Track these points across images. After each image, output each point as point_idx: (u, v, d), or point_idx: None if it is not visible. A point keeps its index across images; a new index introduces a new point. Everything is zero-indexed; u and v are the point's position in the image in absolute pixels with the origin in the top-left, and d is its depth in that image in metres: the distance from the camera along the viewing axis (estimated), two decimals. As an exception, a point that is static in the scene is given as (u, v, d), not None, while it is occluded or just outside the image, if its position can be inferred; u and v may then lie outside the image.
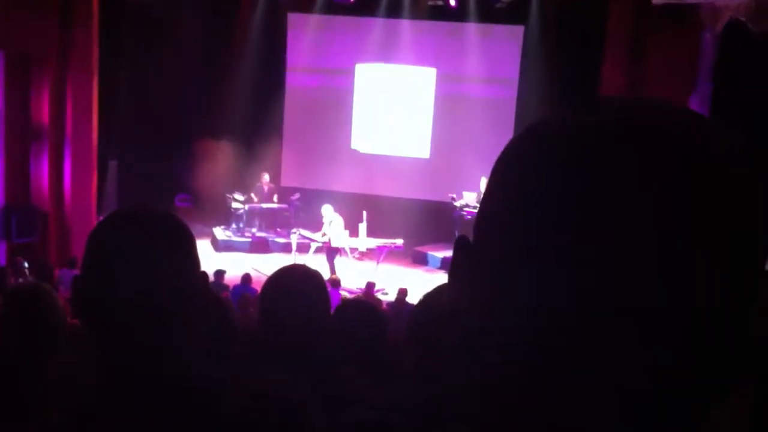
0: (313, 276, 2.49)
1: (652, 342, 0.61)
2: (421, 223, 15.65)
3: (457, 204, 15.09)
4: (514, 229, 0.63)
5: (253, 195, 16.35)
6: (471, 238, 0.69)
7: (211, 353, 2.60)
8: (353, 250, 14.65)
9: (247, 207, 16.28)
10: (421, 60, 16.96)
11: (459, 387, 0.73)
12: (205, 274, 8.29)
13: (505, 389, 0.67)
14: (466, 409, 0.71)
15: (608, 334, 0.60)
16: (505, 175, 0.66)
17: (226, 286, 10.90)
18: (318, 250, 14.52)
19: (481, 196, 0.69)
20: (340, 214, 14.41)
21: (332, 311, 2.96)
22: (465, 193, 15.14)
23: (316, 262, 13.74)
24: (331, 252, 14.20)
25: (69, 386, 1.63)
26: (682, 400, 0.63)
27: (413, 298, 10.42)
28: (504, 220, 0.64)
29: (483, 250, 0.66)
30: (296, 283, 2.41)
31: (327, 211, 14.38)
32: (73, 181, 13.57)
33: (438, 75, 17.05)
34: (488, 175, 0.69)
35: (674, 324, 0.60)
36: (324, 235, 14.30)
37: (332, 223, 14.29)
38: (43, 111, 13.06)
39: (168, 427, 1.53)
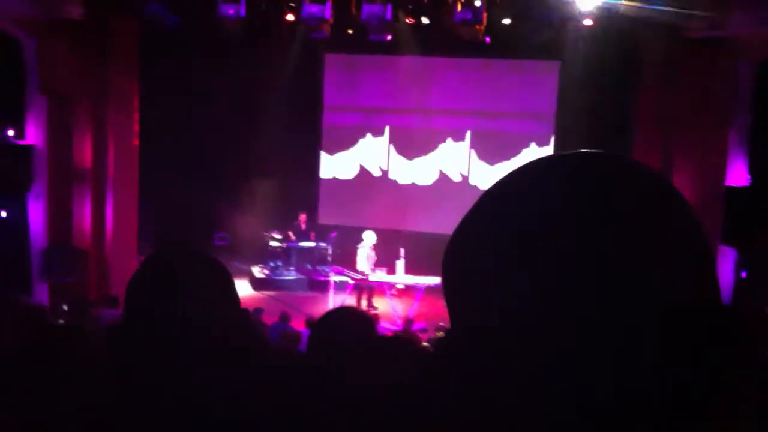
0: (364, 320, 2.51)
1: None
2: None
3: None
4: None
5: (290, 233, 16.43)
6: None
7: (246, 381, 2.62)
8: (391, 286, 14.63)
9: (284, 245, 16.36)
10: (457, 95, 17.02)
11: (460, 387, 0.73)
12: (246, 310, 8.33)
13: (505, 390, 0.69)
14: (466, 409, 0.72)
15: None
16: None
17: (264, 324, 10.91)
18: (355, 287, 14.50)
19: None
20: (377, 251, 14.48)
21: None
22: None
23: (354, 300, 13.78)
24: (369, 289, 14.19)
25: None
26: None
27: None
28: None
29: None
30: (347, 327, 2.43)
31: (369, 237, 14.43)
32: (114, 221, 13.73)
33: (474, 110, 17.07)
34: None
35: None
36: (359, 255, 14.35)
37: (367, 256, 14.32)
38: (85, 152, 13.27)
39: None
